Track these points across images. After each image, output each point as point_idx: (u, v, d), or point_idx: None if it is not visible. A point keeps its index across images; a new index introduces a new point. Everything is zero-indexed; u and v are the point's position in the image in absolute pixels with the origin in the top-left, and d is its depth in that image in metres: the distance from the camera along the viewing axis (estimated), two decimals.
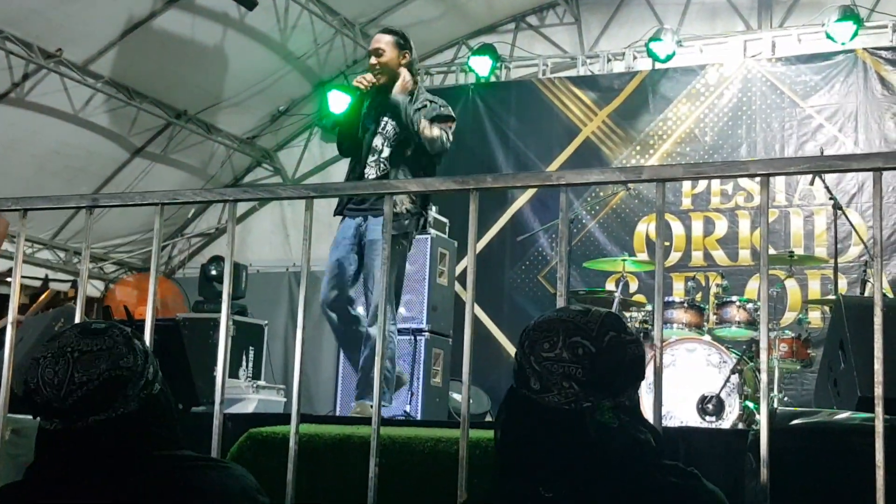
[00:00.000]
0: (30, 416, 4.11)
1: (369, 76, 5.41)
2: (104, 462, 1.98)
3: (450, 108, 5.49)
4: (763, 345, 2.22)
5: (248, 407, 8.92)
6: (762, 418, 2.20)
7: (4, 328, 8.50)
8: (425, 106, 5.38)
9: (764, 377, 2.22)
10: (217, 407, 2.62)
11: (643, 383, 6.10)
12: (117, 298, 11.21)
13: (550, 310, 2.05)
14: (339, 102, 10.74)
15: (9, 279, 8.18)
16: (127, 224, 11.19)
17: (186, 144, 11.16)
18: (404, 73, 5.41)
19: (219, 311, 9.63)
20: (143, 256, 11.95)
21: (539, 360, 1.94)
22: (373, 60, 5.44)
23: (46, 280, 10.81)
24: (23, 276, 3.15)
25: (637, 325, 7.17)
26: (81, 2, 8.85)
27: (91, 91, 9.82)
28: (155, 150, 11.01)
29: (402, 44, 5.44)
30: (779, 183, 9.13)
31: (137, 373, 2.04)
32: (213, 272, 10.35)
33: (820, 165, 2.57)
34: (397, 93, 5.34)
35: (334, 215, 5.48)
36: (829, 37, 9.32)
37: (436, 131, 5.27)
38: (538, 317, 2.03)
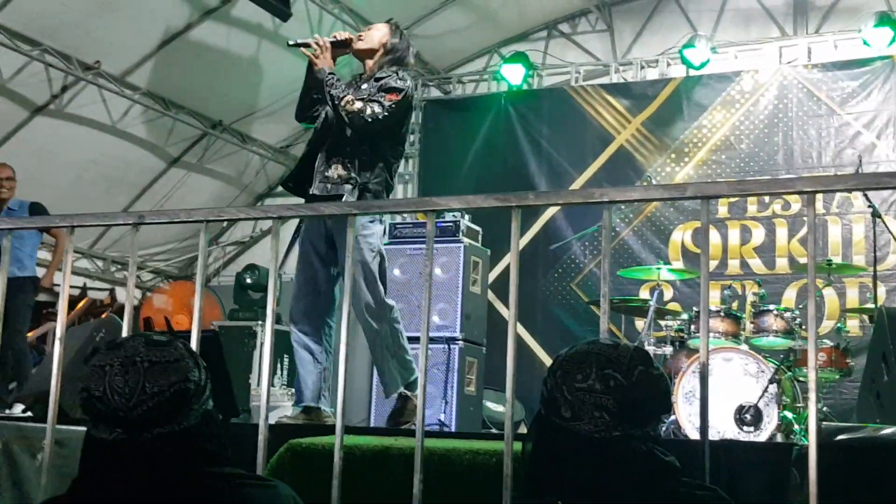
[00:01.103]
0: (74, 428, 4.15)
1: (344, 32, 5.15)
2: (159, 476, 1.96)
3: (406, 80, 4.96)
4: (811, 363, 2.21)
5: (283, 415, 8.96)
6: (811, 436, 2.19)
7: (44, 335, 8.54)
8: (389, 76, 4.96)
9: (812, 396, 2.21)
10: (262, 423, 2.63)
11: (681, 393, 6.04)
12: (154, 307, 11.30)
13: (581, 342, 2.13)
14: None
15: (55, 287, 8.24)
16: (163, 233, 11.29)
17: (222, 154, 11.26)
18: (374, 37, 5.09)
19: (254, 318, 9.63)
20: (179, 265, 12.04)
21: (571, 391, 2.03)
22: (359, 33, 5.20)
23: (84, 289, 10.92)
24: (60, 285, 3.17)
25: (672, 333, 7.12)
26: (119, 15, 8.95)
27: (128, 102, 9.93)
28: (191, 159, 11.11)
29: (394, 28, 5.14)
30: None
31: (202, 387, 2.04)
32: (248, 280, 10.42)
33: (867, 182, 2.55)
34: (325, 62, 4.96)
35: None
36: (865, 43, 9.27)
37: (357, 105, 4.80)
38: (569, 348, 2.12)
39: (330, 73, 4.96)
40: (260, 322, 9.82)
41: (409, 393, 5.00)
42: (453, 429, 7.26)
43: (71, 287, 10.35)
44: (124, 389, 1.95)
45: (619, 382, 2.00)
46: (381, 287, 4.96)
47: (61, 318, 2.91)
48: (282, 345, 9.73)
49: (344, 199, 4.79)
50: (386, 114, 4.83)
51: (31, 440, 4.42)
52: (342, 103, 4.83)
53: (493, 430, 7.96)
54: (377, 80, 4.97)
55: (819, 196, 9.04)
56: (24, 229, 7.04)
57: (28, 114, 9.48)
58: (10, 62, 8.92)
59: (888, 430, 3.17)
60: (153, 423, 1.96)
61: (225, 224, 12.06)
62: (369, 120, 4.80)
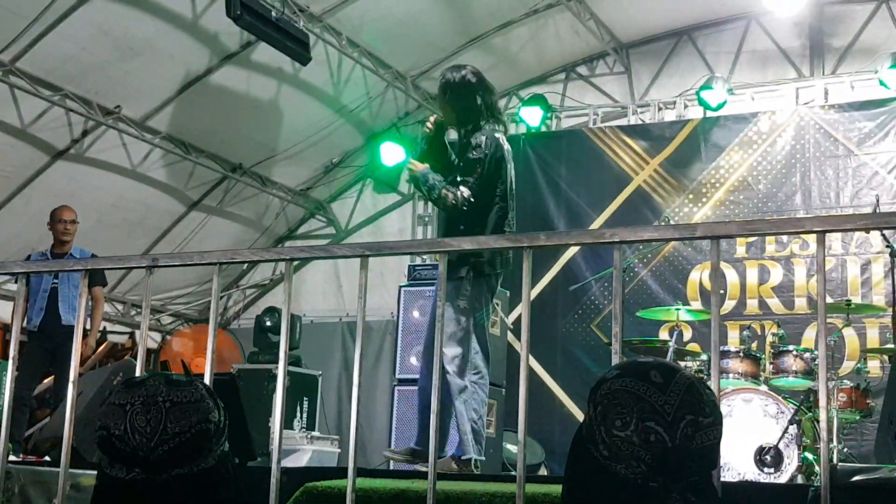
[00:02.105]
0: (91, 472, 4.16)
1: (433, 117, 5.46)
2: None
3: (481, 145, 5.19)
4: (822, 403, 2.20)
5: (303, 458, 8.95)
6: (822, 477, 2.18)
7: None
8: (467, 145, 5.25)
9: (824, 435, 2.20)
10: (274, 466, 2.64)
11: None
12: (174, 350, 11.33)
13: (630, 372, 1.91)
14: (390, 154, 10.93)
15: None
16: (183, 276, 11.32)
17: (242, 197, 11.32)
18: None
19: (274, 361, 9.62)
20: (199, 308, 12.07)
21: (609, 434, 1.85)
22: None
23: (104, 332, 10.96)
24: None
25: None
26: (139, 60, 9.05)
27: (149, 146, 10.01)
28: (211, 203, 11.17)
29: (442, 83, 5.41)
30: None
31: (221, 428, 2.03)
32: (268, 323, 10.44)
33: (877, 222, 2.56)
34: (419, 166, 5.28)
35: None
36: (882, 83, 9.26)
37: (450, 198, 5.13)
38: (616, 374, 1.91)
39: (423, 177, 5.23)
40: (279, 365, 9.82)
41: (467, 459, 5.18)
42: None
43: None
44: (146, 429, 1.93)
45: (659, 438, 1.80)
46: (466, 343, 5.21)
47: (75, 362, 2.93)
48: (300, 388, 9.76)
49: (463, 279, 5.11)
50: (476, 192, 5.14)
51: (48, 484, 4.44)
52: (442, 205, 5.21)
53: (512, 472, 7.91)
54: (467, 147, 5.25)
55: (837, 236, 9.03)
56: (39, 273, 7.09)
57: (49, 158, 9.56)
58: (32, 107, 9.01)
59: None
60: (172, 464, 1.95)
61: (245, 267, 12.11)
62: (465, 208, 5.12)
